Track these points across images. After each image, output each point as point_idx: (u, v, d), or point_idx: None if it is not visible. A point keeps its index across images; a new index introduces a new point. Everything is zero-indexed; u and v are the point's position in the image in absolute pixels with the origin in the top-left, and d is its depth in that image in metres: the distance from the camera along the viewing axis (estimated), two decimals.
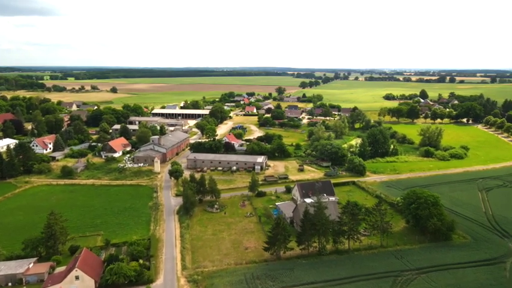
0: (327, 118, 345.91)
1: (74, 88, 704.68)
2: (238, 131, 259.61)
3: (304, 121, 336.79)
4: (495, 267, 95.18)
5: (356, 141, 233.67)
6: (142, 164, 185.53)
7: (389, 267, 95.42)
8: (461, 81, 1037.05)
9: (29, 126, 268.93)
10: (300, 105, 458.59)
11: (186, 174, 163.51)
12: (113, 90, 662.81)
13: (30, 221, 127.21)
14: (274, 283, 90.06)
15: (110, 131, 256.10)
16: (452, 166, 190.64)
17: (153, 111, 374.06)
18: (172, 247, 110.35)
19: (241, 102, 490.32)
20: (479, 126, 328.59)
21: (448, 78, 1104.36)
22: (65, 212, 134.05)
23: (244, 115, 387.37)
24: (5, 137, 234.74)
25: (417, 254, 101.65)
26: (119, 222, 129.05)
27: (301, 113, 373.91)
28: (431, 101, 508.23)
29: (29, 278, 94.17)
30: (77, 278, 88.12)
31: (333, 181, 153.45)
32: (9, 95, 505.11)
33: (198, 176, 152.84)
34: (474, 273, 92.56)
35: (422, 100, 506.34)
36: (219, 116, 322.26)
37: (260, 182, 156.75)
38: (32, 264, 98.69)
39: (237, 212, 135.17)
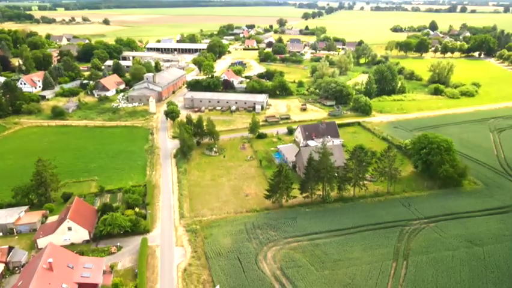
0: (331, 53, 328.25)
1: (64, 20, 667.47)
2: (238, 67, 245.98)
3: (307, 56, 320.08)
4: (508, 216, 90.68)
5: (361, 78, 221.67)
6: (136, 104, 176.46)
7: (396, 216, 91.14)
8: (473, 11, 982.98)
9: (16, 62, 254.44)
10: (302, 38, 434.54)
11: (183, 114, 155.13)
12: (106, 22, 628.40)
13: (21, 166, 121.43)
14: (276, 233, 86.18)
15: (103, 67, 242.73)
16: (462, 105, 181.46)
17: (148, 46, 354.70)
18: (169, 194, 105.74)
19: (241, 35, 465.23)
20: (492, 60, 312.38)
21: (459, 7, 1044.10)
22: (58, 156, 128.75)
23: (243, 49, 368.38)
24: None
25: (425, 202, 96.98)
26: (114, 167, 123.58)
27: (303, 47, 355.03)
28: (441, 33, 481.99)
29: (21, 227, 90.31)
30: (69, 229, 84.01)
31: (337, 121, 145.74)
32: None
33: (195, 117, 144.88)
34: (485, 222, 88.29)
35: (431, 32, 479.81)
36: (217, 51, 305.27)
37: (261, 123, 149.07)
38: (23, 213, 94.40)
39: (236, 156, 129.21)
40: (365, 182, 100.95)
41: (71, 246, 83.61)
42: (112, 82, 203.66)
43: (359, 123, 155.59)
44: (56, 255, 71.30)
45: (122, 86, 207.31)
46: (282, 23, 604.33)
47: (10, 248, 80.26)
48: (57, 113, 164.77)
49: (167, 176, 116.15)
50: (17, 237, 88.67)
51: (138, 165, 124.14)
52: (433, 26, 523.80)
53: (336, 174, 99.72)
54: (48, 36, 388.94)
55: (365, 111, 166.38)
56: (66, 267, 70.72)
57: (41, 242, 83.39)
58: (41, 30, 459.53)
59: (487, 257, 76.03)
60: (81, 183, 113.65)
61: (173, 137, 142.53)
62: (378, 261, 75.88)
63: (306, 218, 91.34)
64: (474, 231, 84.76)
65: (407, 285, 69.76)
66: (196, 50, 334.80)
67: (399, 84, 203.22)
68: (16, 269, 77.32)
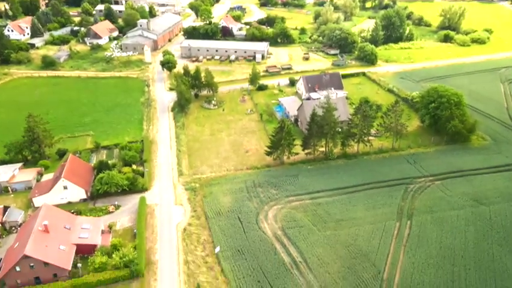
0: None
1: None
2: (237, 13, 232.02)
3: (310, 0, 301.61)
4: None
5: (367, 24, 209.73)
6: (130, 53, 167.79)
7: (401, 174, 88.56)
8: None
9: (1, 7, 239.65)
10: None
11: (180, 64, 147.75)
12: None
13: (13, 120, 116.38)
14: (277, 191, 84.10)
15: (94, 12, 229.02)
16: (473, 53, 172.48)
17: None
18: (166, 150, 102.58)
19: None
20: (506, 3, 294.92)
21: None
22: (51, 109, 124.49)
23: None
24: None
25: (431, 159, 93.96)
26: (110, 121, 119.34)
27: None
28: None
29: (16, 185, 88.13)
30: (65, 187, 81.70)
31: (341, 72, 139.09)
32: None
33: (192, 67, 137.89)
34: (493, 180, 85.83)
35: None
36: None
37: (261, 74, 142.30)
38: (17, 171, 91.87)
39: (236, 109, 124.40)
40: (370, 137, 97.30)
41: (69, 205, 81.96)
42: (104, 29, 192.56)
43: (363, 74, 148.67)
44: (51, 217, 69.59)
45: (115, 33, 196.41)
46: None
47: (5, 208, 78.52)
48: (48, 63, 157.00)
49: (164, 131, 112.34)
50: (12, 195, 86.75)
51: (134, 119, 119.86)
52: None
53: (340, 130, 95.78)
54: None
55: (371, 60, 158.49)
56: (63, 229, 69.24)
57: (37, 201, 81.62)
58: None
59: (493, 217, 74.37)
60: (76, 138, 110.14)
61: (171, 89, 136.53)
62: (382, 221, 74.34)
63: (308, 176, 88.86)
64: (481, 189, 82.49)
65: (410, 245, 68.63)
66: None
67: (407, 31, 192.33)
68: (13, 228, 76.04)
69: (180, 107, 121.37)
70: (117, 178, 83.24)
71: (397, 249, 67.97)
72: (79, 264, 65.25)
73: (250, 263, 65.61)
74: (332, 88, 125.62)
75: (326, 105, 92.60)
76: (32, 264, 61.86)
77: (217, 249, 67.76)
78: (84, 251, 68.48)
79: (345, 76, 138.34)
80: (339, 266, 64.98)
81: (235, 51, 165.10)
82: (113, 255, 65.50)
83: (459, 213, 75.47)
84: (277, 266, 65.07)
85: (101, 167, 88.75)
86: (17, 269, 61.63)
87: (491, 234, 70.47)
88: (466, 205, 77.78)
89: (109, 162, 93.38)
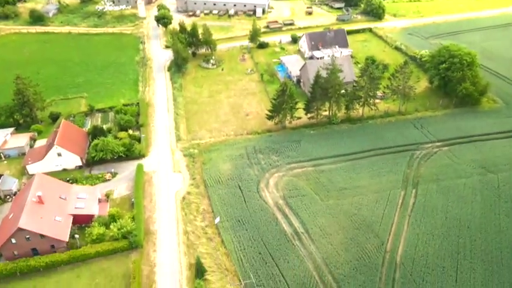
0: None
1: None
2: None
3: None
4: None
5: None
6: (123, 7, 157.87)
7: (407, 139, 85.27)
8: None
9: None
10: None
11: (176, 19, 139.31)
12: None
13: (2, 80, 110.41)
14: (278, 158, 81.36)
15: None
16: (487, 6, 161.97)
17: None
18: (164, 113, 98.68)
19: None
20: None
21: None
22: (41, 68, 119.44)
23: None
24: None
25: (439, 123, 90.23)
26: (104, 82, 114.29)
27: None
28: None
29: (9, 152, 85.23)
30: (59, 155, 78.87)
31: (346, 28, 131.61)
32: None
33: (189, 23, 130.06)
34: (502, 146, 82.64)
35: None
36: None
37: (262, 30, 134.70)
38: (9, 136, 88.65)
39: (236, 68, 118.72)
40: (376, 100, 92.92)
41: (64, 173, 79.65)
42: None
43: (370, 30, 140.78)
44: (45, 187, 67.42)
45: None
46: None
47: None
48: (37, 18, 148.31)
49: (161, 93, 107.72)
50: (5, 162, 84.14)
51: (129, 80, 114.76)
52: None
53: (344, 91, 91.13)
54: None
55: (378, 14, 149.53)
56: (58, 199, 67.22)
57: (31, 169, 79.19)
58: None
59: (501, 186, 72.04)
60: (69, 100, 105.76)
61: (167, 47, 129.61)
62: (386, 189, 72.16)
63: (311, 141, 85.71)
64: (489, 155, 79.56)
65: (415, 215, 66.90)
66: None
67: None
68: (8, 197, 74.04)
69: (177, 67, 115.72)
70: (112, 145, 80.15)
71: (401, 220, 66.33)
72: (77, 235, 63.91)
73: (251, 234, 64.21)
74: (337, 46, 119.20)
75: (331, 66, 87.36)
76: (27, 236, 60.41)
77: (217, 220, 66.15)
78: (81, 221, 66.95)
79: (350, 32, 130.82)
80: (342, 237, 63.61)
81: (235, 5, 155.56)
82: (111, 227, 63.97)
83: (466, 182, 73.11)
84: (278, 237, 63.70)
85: (96, 132, 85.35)
86: (13, 241, 60.26)
87: (499, 204, 68.45)
88: (473, 173, 75.25)
89: (104, 127, 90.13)
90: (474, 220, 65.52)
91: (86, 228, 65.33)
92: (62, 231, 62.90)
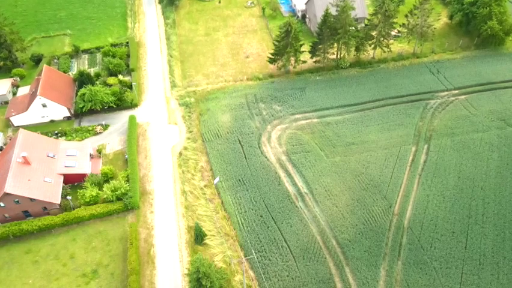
0: None
1: None
2: None
3: None
4: None
5: None
6: None
7: (422, 87, 78.44)
8: None
9: None
10: None
11: None
12: None
13: None
14: (281, 108, 75.47)
15: None
16: None
17: None
18: (156, 55, 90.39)
19: None
20: None
21: None
22: (20, 0, 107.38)
23: None
24: None
25: (457, 67, 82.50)
26: (89, 16, 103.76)
27: None
28: None
29: None
30: (44, 105, 72.91)
31: None
32: None
33: None
34: None
35: None
36: None
37: None
38: None
39: (234, 1, 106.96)
40: (389, 41, 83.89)
41: (52, 125, 74.60)
42: None
43: None
44: (31, 145, 62.63)
45: None
46: None
47: None
48: None
49: (153, 30, 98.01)
50: None
51: (117, 14, 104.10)
52: None
53: (355, 30, 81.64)
54: None
55: None
56: (45, 158, 62.83)
57: (16, 120, 73.80)
58: None
59: None
60: (52, 38, 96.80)
61: None
62: (396, 145, 67.45)
63: (317, 89, 78.95)
64: (510, 106, 73.52)
65: (426, 175, 62.98)
66: None
67: None
68: None
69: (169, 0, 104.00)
70: (101, 94, 73.71)
71: (411, 179, 62.57)
72: (69, 197, 60.69)
73: (252, 195, 60.94)
74: None
75: (341, 2, 77.04)
76: (16, 200, 57.24)
77: (217, 180, 62.41)
78: (72, 181, 63.50)
79: None
80: (348, 198, 60.41)
81: None
82: (104, 188, 60.49)
83: (483, 136, 68.14)
84: (281, 198, 60.48)
85: (83, 79, 78.03)
86: (1, 204, 57.20)
87: None
88: (491, 126, 69.91)
89: (92, 71, 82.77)
90: (489, 180, 61.75)
91: (78, 191, 61.80)
92: (52, 193, 59.51)
